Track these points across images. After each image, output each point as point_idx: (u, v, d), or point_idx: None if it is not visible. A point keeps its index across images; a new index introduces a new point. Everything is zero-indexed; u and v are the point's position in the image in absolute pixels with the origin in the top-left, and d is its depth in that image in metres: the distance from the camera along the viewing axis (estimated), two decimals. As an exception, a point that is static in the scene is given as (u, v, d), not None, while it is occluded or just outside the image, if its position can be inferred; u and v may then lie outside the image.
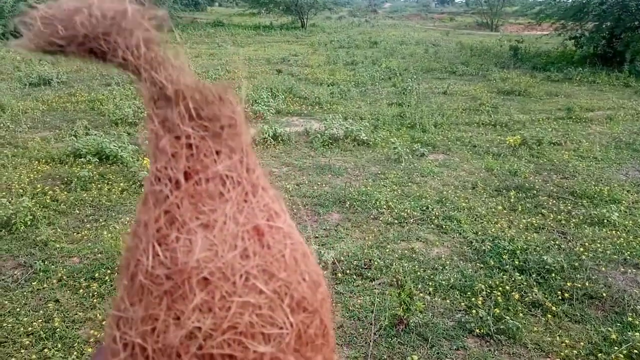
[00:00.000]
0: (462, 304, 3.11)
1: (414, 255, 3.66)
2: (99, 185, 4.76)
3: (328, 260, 3.39)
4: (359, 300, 3.10)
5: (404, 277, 3.17)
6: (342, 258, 3.54)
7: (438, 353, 2.68)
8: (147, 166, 4.21)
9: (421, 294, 3.17)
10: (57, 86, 8.93)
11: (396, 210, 4.38)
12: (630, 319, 2.93)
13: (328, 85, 9.70)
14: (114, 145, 5.43)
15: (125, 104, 7.31)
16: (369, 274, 3.39)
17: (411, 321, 2.86)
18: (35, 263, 3.42)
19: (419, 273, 3.41)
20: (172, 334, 0.38)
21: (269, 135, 6.15)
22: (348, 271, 3.41)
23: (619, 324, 2.92)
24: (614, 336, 2.78)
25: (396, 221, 4.22)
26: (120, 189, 4.69)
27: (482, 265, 3.55)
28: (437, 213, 4.34)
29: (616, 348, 2.69)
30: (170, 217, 0.41)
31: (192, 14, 27.03)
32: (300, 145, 6.27)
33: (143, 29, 0.41)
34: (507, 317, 2.89)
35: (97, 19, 0.40)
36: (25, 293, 3.14)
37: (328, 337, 0.46)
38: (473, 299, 3.12)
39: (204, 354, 0.38)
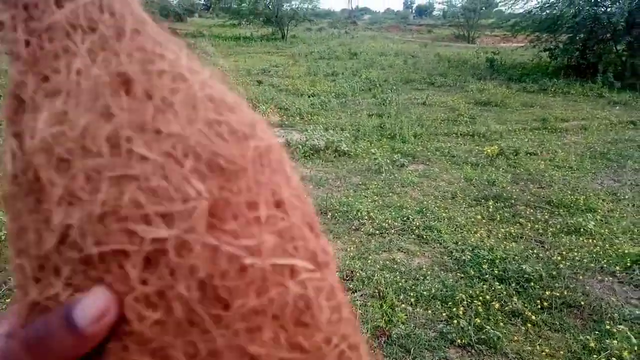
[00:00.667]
0: (444, 314, 3.12)
1: (395, 266, 3.67)
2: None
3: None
4: (341, 313, 3.09)
5: (386, 288, 3.18)
6: (323, 270, 3.53)
7: (420, 364, 2.68)
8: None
9: (403, 305, 3.18)
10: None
11: (377, 221, 4.39)
12: (608, 327, 2.97)
13: (309, 96, 9.74)
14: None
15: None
16: (350, 286, 3.39)
17: (393, 332, 2.86)
18: (9, 279, 3.32)
19: (400, 284, 3.42)
20: (46, 243, 0.30)
21: (249, 146, 6.13)
22: (330, 283, 3.40)
23: (597, 332, 2.96)
24: (592, 344, 2.82)
25: (377, 232, 4.23)
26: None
27: (462, 275, 3.57)
28: (417, 223, 4.36)
29: (595, 356, 2.73)
30: (18, 100, 0.32)
31: (171, 24, 26.92)
32: (281, 156, 6.25)
33: None
34: (488, 327, 2.91)
35: None
36: (-3, 311, 3.05)
37: (285, 206, 0.33)
38: (454, 309, 3.14)
39: (86, 257, 0.29)
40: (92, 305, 0.29)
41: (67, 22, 0.33)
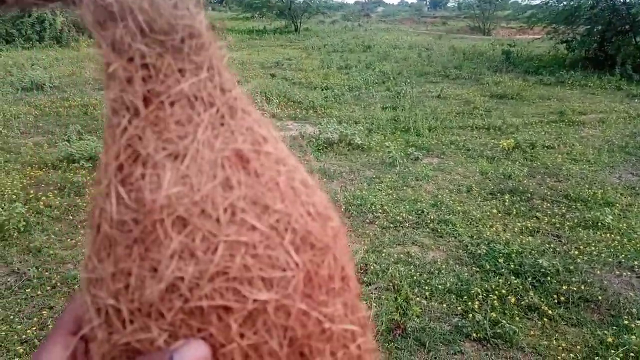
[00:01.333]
0: (459, 308, 3.11)
1: (409, 260, 3.66)
2: (92, 191, 4.73)
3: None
4: (355, 305, 3.09)
5: (400, 282, 3.17)
6: (338, 263, 3.53)
7: (435, 358, 2.68)
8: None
9: (418, 298, 3.17)
10: (49, 91, 8.87)
11: (391, 214, 4.38)
12: (626, 322, 2.94)
13: (322, 89, 9.72)
14: (108, 150, 5.40)
15: (119, 109, 7.26)
16: (365, 279, 3.39)
17: (408, 326, 2.86)
18: (29, 270, 3.38)
19: (415, 277, 3.41)
20: (149, 290, 0.32)
21: (263, 139, 6.15)
22: (344, 276, 3.40)
23: (614, 327, 2.93)
24: (610, 339, 2.79)
25: (392, 225, 4.22)
26: (114, 194, 4.66)
27: (478, 269, 3.55)
28: (432, 217, 4.34)
29: (613, 351, 2.70)
30: (132, 152, 0.35)
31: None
32: (294, 149, 6.24)
33: None
34: (504, 321, 2.90)
35: None
36: (19, 300, 3.11)
37: (348, 280, 0.39)
38: (469, 302, 3.13)
39: (192, 308, 0.32)
40: (193, 354, 0.32)
41: (191, 93, 0.36)
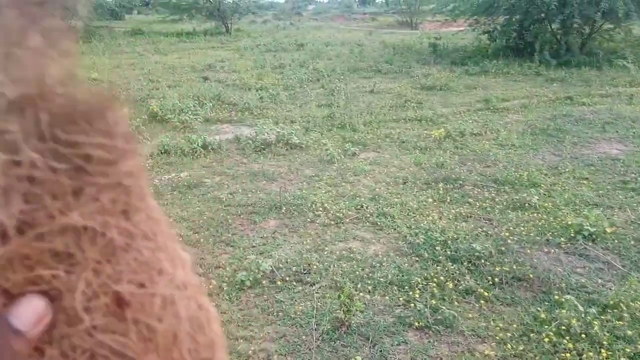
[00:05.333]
0: (401, 299, 3.16)
1: (351, 255, 3.69)
2: None
3: (266, 269, 3.33)
4: (300, 307, 3.07)
5: (343, 279, 3.18)
6: (280, 265, 3.50)
7: (381, 351, 2.71)
8: None
9: (361, 294, 3.19)
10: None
11: (332, 211, 4.39)
12: (556, 297, 3.10)
13: (257, 90, 9.62)
14: None
15: None
16: (308, 279, 3.38)
17: (352, 322, 2.87)
18: None
19: (357, 272, 3.43)
20: None
21: (198, 145, 5.99)
22: (287, 278, 3.37)
23: (547, 303, 3.09)
24: (543, 315, 2.93)
25: (332, 222, 4.23)
26: None
27: (417, 259, 3.63)
28: (371, 210, 4.40)
29: (546, 327, 2.83)
30: None
31: (108, 23, 25.88)
32: (231, 152, 6.16)
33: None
34: (443, 307, 2.98)
35: None
36: None
37: None
38: (410, 292, 3.19)
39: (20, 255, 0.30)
40: (30, 311, 0.29)
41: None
